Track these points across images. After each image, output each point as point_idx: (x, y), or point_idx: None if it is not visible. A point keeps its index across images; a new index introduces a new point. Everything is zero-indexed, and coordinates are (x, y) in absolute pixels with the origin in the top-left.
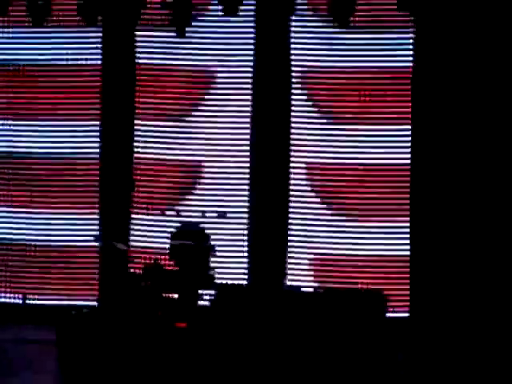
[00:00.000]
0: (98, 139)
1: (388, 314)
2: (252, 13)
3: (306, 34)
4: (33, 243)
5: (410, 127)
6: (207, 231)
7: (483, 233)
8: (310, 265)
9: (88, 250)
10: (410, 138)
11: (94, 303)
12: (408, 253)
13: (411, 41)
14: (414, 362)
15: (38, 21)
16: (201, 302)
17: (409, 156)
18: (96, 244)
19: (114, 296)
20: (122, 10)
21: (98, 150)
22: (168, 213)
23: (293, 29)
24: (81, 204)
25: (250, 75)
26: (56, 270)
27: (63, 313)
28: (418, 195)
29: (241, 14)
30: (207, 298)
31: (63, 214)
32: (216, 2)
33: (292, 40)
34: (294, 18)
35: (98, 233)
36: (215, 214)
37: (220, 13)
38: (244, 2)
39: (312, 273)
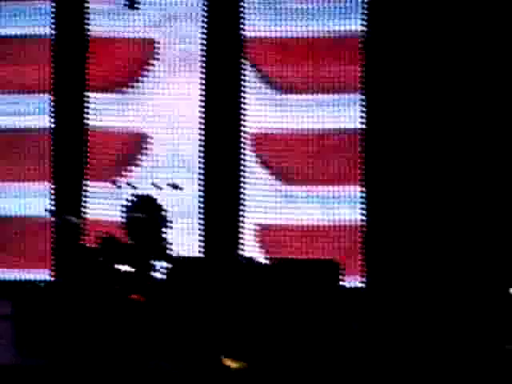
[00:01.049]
0: (48, 111)
1: (343, 284)
2: None
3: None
4: None
5: (360, 94)
6: (160, 203)
7: (438, 198)
8: (262, 235)
9: (41, 223)
10: (361, 105)
11: (50, 277)
12: (362, 220)
13: (362, 6)
14: (368, 331)
15: None
16: (156, 275)
17: (360, 122)
18: (49, 217)
19: (69, 269)
20: None
21: (48, 122)
22: (120, 184)
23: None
24: (33, 176)
25: (199, 47)
26: (9, 244)
27: (19, 287)
28: (372, 162)
29: None
30: (162, 270)
31: (15, 185)
32: None
33: (241, 10)
34: None
35: (50, 205)
36: (168, 185)
37: None
38: None
39: (265, 243)
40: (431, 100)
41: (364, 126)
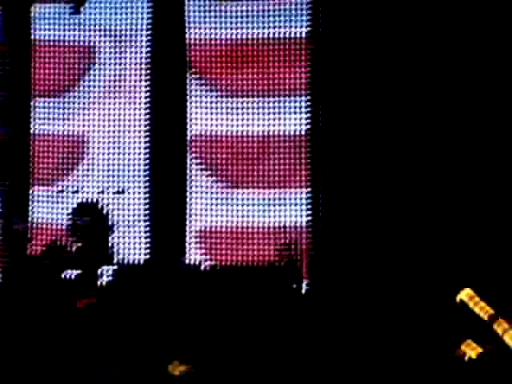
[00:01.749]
0: None
1: (290, 288)
2: None
3: (199, 5)
4: None
5: (306, 97)
6: (105, 207)
7: (384, 201)
8: (208, 239)
9: None
10: (306, 108)
11: None
12: (307, 223)
13: (307, 8)
14: (315, 335)
15: None
16: (102, 280)
17: (306, 125)
18: None
19: (15, 276)
20: None
21: None
22: (65, 189)
23: (186, 2)
24: None
25: (143, 50)
26: None
27: None
28: (317, 165)
29: None
30: (108, 276)
31: None
32: None
33: (184, 14)
34: None
35: None
36: (113, 190)
37: None
38: None
39: (211, 248)
40: (377, 103)
41: (309, 129)
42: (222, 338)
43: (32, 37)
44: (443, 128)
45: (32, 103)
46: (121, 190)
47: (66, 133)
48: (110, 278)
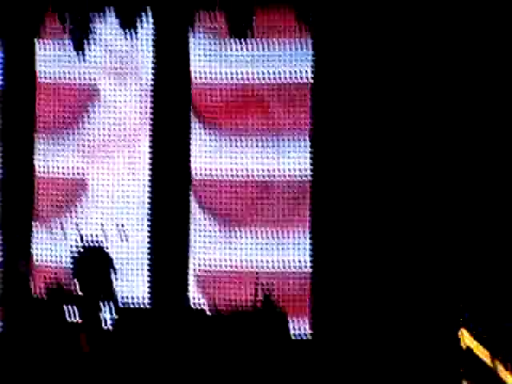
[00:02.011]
0: None
1: (290, 333)
2: (151, 28)
3: (204, 49)
4: None
5: (307, 140)
6: (107, 249)
7: (387, 244)
8: (209, 281)
9: None
10: (308, 152)
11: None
12: (309, 266)
13: (311, 55)
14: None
15: None
16: (103, 324)
17: (308, 167)
18: None
19: (18, 319)
20: (20, 25)
21: None
22: (67, 229)
23: (191, 44)
24: None
25: (146, 93)
26: None
27: None
28: (319, 207)
29: (139, 30)
30: (110, 320)
31: None
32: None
33: (188, 57)
34: (192, 34)
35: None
36: (114, 231)
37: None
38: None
39: (212, 289)
40: (380, 146)
41: (311, 172)
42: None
43: (34, 76)
44: (449, 161)
45: (34, 142)
46: (122, 231)
47: (67, 172)
48: (112, 320)
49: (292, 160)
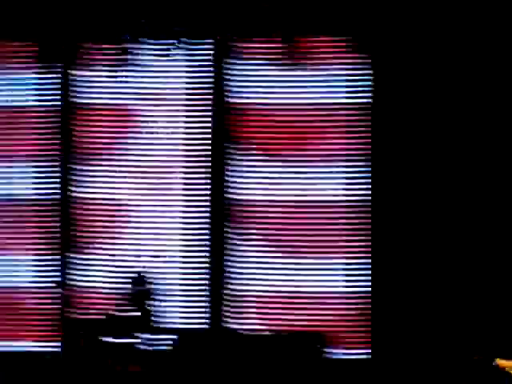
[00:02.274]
0: (31, 179)
1: (347, 355)
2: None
3: (242, 71)
4: None
5: (356, 164)
6: (143, 273)
7: (447, 267)
8: (256, 306)
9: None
10: (357, 175)
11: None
12: (365, 290)
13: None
14: None
15: None
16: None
17: (365, 192)
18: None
19: (75, 342)
20: (56, 52)
21: (32, 191)
22: (104, 255)
23: (228, 67)
24: (19, 246)
25: (183, 114)
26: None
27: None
28: (377, 232)
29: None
30: (146, 342)
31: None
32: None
33: (227, 77)
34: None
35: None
36: (151, 256)
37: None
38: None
39: (260, 314)
40: (440, 168)
41: (371, 195)
42: None
43: (70, 100)
44: None
45: (70, 167)
46: (159, 256)
47: (104, 196)
48: (149, 344)
49: (351, 183)
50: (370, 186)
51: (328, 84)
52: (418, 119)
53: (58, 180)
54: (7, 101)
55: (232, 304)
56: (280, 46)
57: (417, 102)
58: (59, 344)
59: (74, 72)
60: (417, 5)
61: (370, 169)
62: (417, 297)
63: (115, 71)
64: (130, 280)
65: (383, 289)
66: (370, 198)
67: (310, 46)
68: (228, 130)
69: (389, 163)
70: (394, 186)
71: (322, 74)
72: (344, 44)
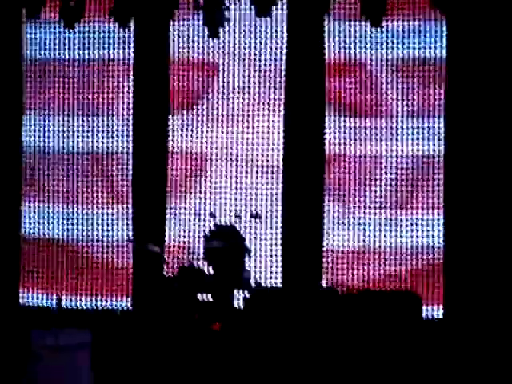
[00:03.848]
0: (129, 134)
1: (423, 315)
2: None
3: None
4: (66, 241)
5: (442, 119)
6: (241, 232)
7: None
8: (343, 262)
9: (121, 250)
10: (443, 130)
11: (128, 305)
12: (441, 246)
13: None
14: (448, 363)
15: (70, 23)
16: (236, 304)
17: (442, 147)
18: (130, 244)
19: (149, 298)
20: (154, 11)
21: (130, 145)
22: (200, 209)
23: (326, 27)
24: (113, 200)
25: (282, 73)
26: (89, 270)
27: (97, 316)
28: (452, 187)
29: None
30: (241, 300)
31: (95, 209)
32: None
33: (322, 35)
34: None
35: (131, 231)
36: (249, 215)
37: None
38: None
39: (343, 270)
40: None
41: (445, 152)
42: (355, 365)
43: (167, 55)
44: None
45: (167, 120)
46: (256, 214)
47: (199, 147)
48: (244, 302)
49: (425, 139)
50: (444, 141)
51: (405, 39)
52: (494, 77)
53: (155, 133)
54: (93, 54)
55: (328, 261)
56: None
57: (491, 56)
58: (131, 300)
59: (171, 28)
60: None
61: (443, 124)
62: (492, 254)
63: (213, 29)
64: (223, 234)
65: (458, 243)
66: (444, 152)
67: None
68: (324, 88)
69: (463, 119)
70: (468, 139)
71: (406, 28)
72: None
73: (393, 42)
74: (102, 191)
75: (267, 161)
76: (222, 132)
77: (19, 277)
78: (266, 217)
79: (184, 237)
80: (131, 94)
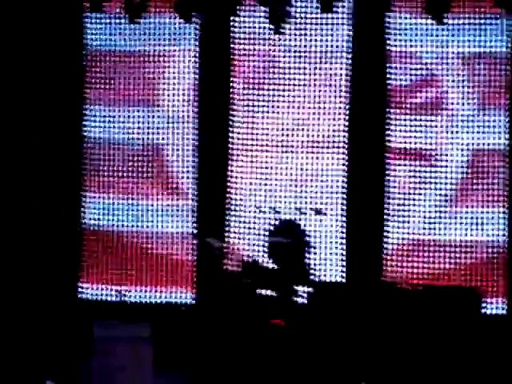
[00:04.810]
0: (189, 126)
1: (484, 311)
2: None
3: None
4: (127, 234)
5: (506, 113)
6: (302, 227)
7: None
8: (406, 256)
9: (183, 244)
10: (507, 124)
11: (191, 300)
12: (505, 240)
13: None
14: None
15: (133, 18)
16: (298, 300)
17: (506, 142)
18: (194, 239)
19: (211, 293)
20: (217, 6)
21: (190, 137)
22: (264, 209)
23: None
24: (175, 193)
25: (347, 72)
26: (151, 265)
27: (159, 309)
28: None
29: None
30: (304, 295)
31: (157, 202)
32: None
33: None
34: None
35: (193, 225)
36: (311, 210)
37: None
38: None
39: (407, 264)
40: None
41: (509, 146)
42: (415, 361)
43: (231, 47)
44: None
45: (229, 111)
46: (319, 210)
47: (260, 144)
48: (306, 298)
49: (490, 132)
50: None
51: (468, 32)
52: None
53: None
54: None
55: (389, 255)
56: None
57: None
58: (193, 295)
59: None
60: None
61: (507, 118)
62: None
63: (276, 26)
64: (288, 233)
65: None
66: (508, 147)
67: None
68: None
69: None
70: None
71: (463, 23)
72: None
73: (455, 40)
74: (163, 183)
75: (332, 158)
76: (284, 125)
77: (81, 269)
78: (328, 213)
79: (247, 233)
80: (192, 87)
